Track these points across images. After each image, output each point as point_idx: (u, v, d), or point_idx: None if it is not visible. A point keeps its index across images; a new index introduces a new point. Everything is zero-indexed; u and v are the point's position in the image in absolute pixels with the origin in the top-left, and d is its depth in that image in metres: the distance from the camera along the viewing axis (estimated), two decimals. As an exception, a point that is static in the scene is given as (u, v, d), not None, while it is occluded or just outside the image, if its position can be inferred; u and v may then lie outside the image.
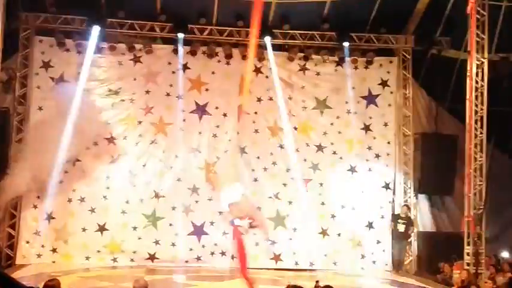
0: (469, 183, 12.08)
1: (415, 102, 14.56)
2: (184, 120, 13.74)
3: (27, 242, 13.04)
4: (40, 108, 13.23)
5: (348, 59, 14.06)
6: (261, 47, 13.86)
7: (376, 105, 14.33)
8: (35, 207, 13.13)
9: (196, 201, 13.62)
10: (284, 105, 13.89)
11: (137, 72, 13.77)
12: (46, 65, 13.41)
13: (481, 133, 12.23)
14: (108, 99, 13.53)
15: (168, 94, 13.83)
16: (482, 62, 12.28)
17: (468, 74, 12.22)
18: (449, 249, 12.61)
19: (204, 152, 13.83)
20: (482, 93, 12.24)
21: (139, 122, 13.68)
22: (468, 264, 11.71)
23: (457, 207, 13.64)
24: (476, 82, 12.25)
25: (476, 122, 12.20)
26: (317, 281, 6.29)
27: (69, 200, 13.24)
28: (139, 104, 13.73)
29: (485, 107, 12.23)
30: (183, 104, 13.80)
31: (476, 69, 12.21)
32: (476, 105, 12.20)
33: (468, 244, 11.90)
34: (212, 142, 13.87)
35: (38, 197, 13.10)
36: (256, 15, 9.06)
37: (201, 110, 13.90)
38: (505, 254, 13.68)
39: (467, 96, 12.17)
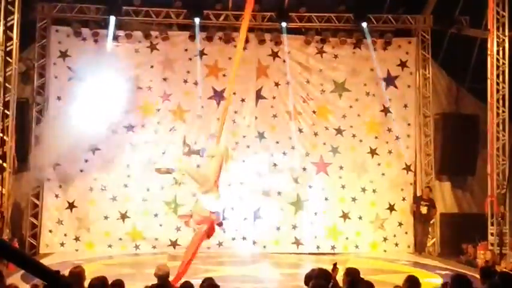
0: (491, 163, 11.97)
1: (435, 82, 14.38)
2: (202, 106, 13.71)
3: (50, 231, 13.18)
4: (59, 98, 13.30)
5: (366, 40, 13.90)
6: (278, 31, 13.82)
7: (396, 87, 14.16)
8: (57, 196, 13.23)
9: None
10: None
11: (154, 59, 13.75)
12: (63, 55, 13.44)
13: (503, 112, 12.09)
14: (125, 87, 13.51)
15: (185, 81, 13.81)
16: (503, 40, 12.10)
17: (489, 52, 12.05)
18: (473, 230, 12.51)
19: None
20: (503, 72, 12.10)
21: (158, 110, 13.68)
22: (492, 245, 11.62)
23: (479, 188, 13.50)
24: (497, 60, 12.09)
25: (498, 101, 12.07)
26: (335, 263, 6.20)
27: (91, 189, 13.32)
28: (157, 91, 13.72)
29: (507, 86, 12.09)
30: (200, 90, 13.77)
31: (497, 47, 12.04)
32: (498, 84, 12.07)
33: (492, 224, 11.80)
34: (230, 128, 13.83)
35: (60, 186, 13.23)
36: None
37: (218, 96, 13.85)
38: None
39: (489, 75, 12.02)
